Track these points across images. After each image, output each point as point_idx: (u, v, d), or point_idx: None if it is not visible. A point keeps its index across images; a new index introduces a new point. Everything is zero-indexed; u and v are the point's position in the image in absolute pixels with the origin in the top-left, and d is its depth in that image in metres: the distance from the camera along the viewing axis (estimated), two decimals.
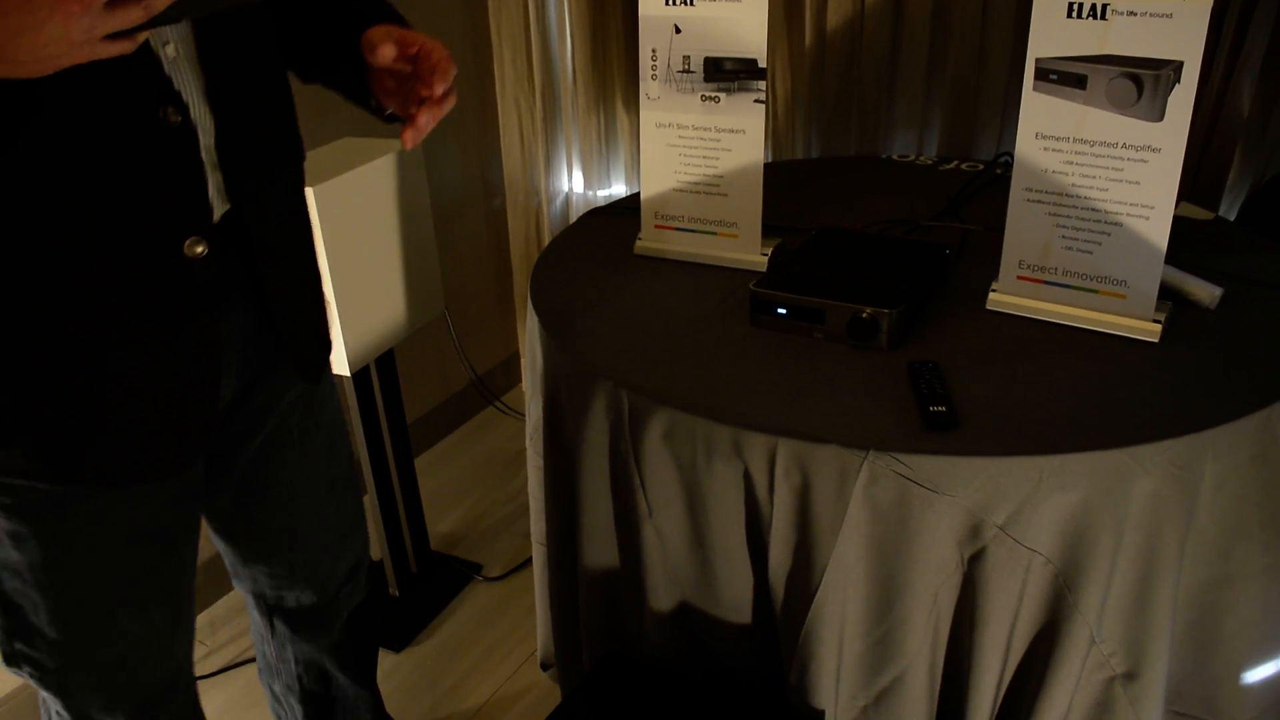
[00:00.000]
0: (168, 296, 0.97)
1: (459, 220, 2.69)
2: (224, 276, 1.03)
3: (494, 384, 2.92)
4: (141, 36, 0.78)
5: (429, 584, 2.18)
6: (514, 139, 2.69)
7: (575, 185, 2.75)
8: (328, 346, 1.26)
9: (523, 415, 2.84)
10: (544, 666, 1.84)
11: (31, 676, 1.12)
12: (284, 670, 1.48)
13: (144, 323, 0.96)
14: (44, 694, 1.16)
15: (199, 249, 0.97)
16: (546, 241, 2.78)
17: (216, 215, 1.00)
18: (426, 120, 1.02)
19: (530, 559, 2.22)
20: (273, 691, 1.53)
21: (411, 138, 1.02)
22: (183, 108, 0.93)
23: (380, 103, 1.11)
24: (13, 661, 1.12)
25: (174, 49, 0.92)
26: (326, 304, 1.25)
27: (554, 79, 2.61)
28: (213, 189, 0.99)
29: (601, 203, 2.67)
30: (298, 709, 1.51)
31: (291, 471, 1.24)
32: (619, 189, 2.70)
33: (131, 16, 0.73)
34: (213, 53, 0.96)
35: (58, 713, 1.17)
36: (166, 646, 1.18)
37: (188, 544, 1.16)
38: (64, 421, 0.97)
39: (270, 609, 1.41)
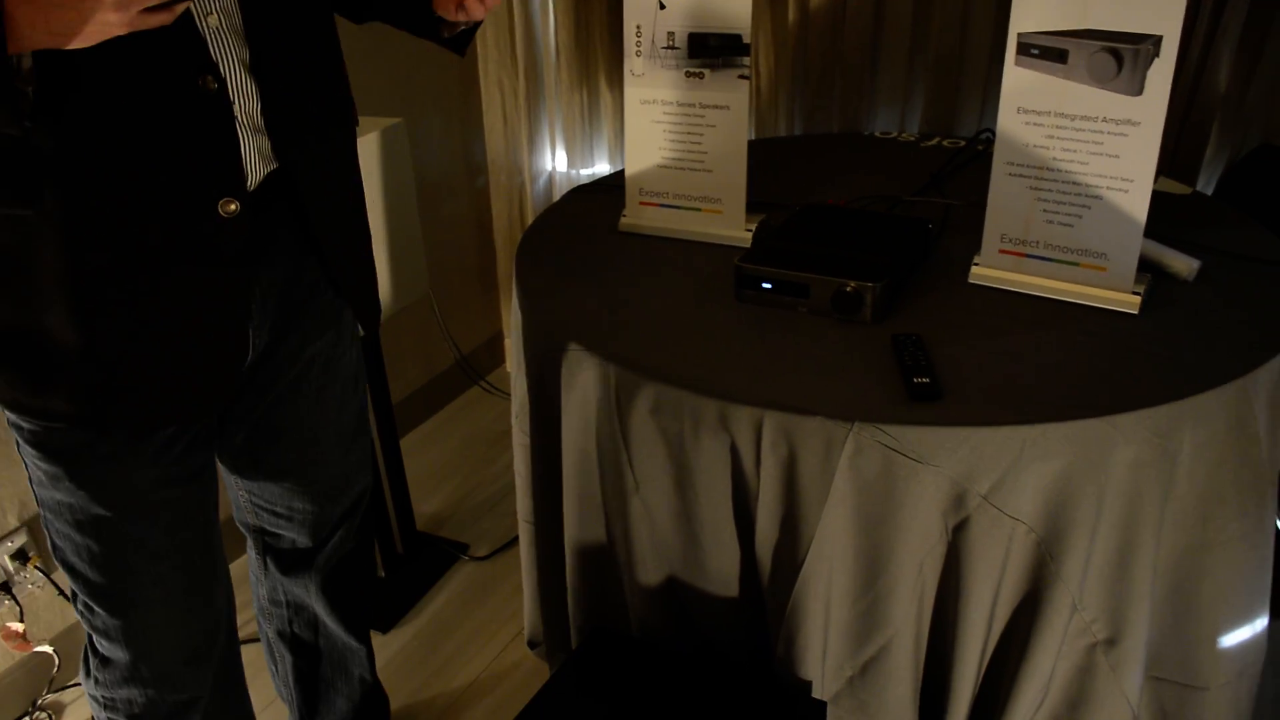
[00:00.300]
0: (202, 252, 1.02)
1: (442, 200, 2.68)
2: (262, 233, 1.08)
3: (478, 364, 2.92)
4: (180, 8, 0.81)
5: (416, 564, 2.19)
6: (497, 118, 2.68)
7: (559, 164, 2.74)
8: (378, 301, 1.34)
9: (508, 395, 2.84)
10: (531, 645, 1.85)
11: (83, 619, 1.20)
12: (276, 614, 1.52)
13: (179, 275, 1.02)
14: (92, 647, 1.23)
15: (232, 208, 1.02)
16: (530, 220, 2.78)
17: (260, 175, 1.06)
18: None
19: (517, 538, 2.23)
20: (267, 636, 1.57)
21: (486, 5, 1.10)
22: (220, 77, 0.98)
23: (440, 17, 1.17)
24: (75, 603, 1.20)
25: (216, 20, 0.97)
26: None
27: (537, 57, 2.60)
28: (255, 152, 1.04)
29: (585, 181, 2.67)
30: (288, 657, 1.55)
31: (305, 420, 1.29)
32: (602, 167, 2.70)
33: None
34: (258, 23, 1.01)
35: (100, 661, 1.22)
36: (208, 595, 1.24)
37: (210, 490, 1.22)
38: (105, 366, 1.02)
39: (266, 547, 1.45)
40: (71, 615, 1.89)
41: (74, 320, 0.99)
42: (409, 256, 1.90)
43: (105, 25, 0.78)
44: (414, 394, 2.69)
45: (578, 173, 2.71)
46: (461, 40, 1.27)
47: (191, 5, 0.94)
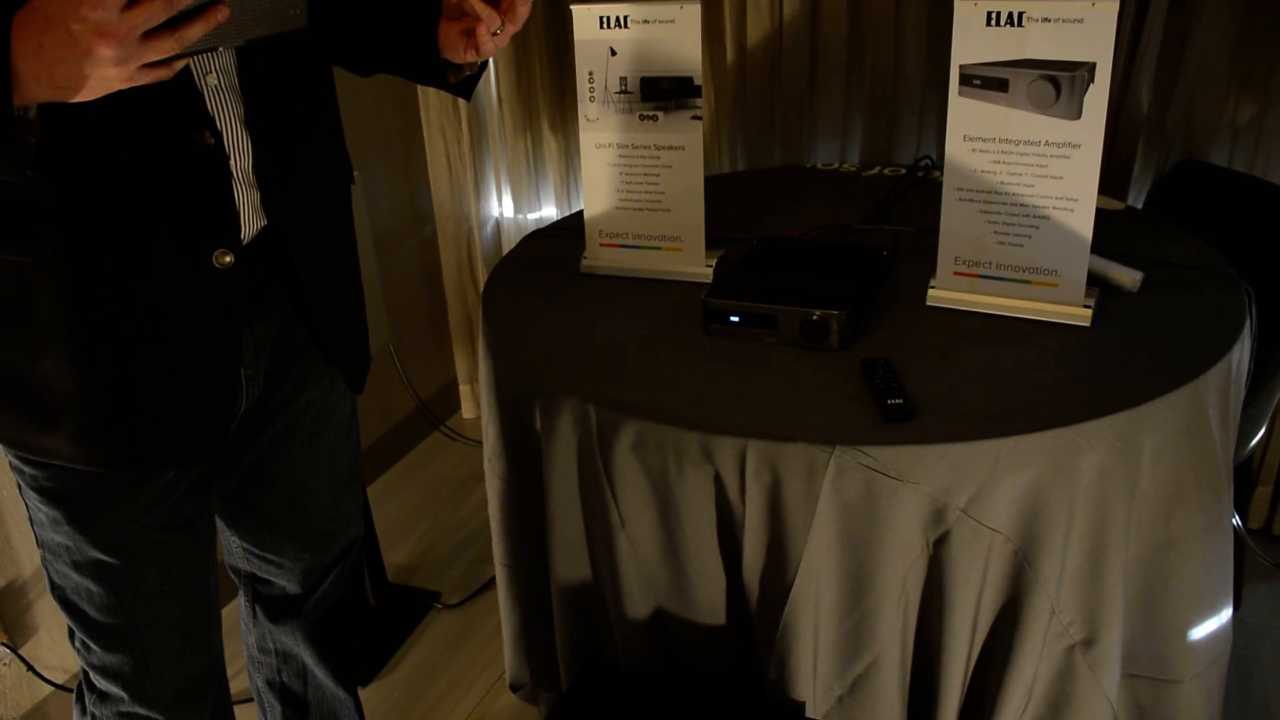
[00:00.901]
0: (197, 301, 1.05)
1: (391, 250, 2.69)
2: (256, 284, 1.12)
3: (435, 410, 2.92)
4: (178, 65, 0.84)
5: (389, 616, 2.18)
6: (441, 167, 2.70)
7: (506, 210, 2.77)
8: (369, 357, 1.37)
9: (467, 440, 2.84)
10: (514, 688, 1.85)
11: (80, 656, 1.21)
12: (265, 663, 1.52)
13: (175, 323, 1.05)
14: (88, 682, 1.24)
15: (226, 259, 1.05)
16: (479, 267, 2.79)
17: (253, 230, 1.09)
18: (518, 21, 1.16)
19: (489, 582, 2.23)
20: (257, 687, 1.56)
21: (497, 43, 1.17)
22: (218, 132, 1.01)
23: (445, 62, 1.23)
24: (72, 639, 1.22)
25: (216, 78, 1.01)
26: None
27: (479, 105, 2.64)
28: (248, 206, 1.07)
29: (532, 226, 2.70)
30: (277, 707, 1.55)
31: (298, 467, 1.30)
32: (549, 212, 2.73)
33: (165, 46, 0.80)
34: (255, 81, 1.04)
35: (97, 696, 1.23)
36: (203, 638, 1.25)
37: (207, 535, 1.24)
38: (101, 410, 1.05)
39: (255, 595, 1.46)
40: (41, 690, 1.85)
41: (70, 365, 1.02)
42: (370, 309, 1.90)
43: (106, 80, 0.80)
44: (374, 443, 2.68)
45: (525, 218, 2.74)
46: (468, 85, 1.31)
47: (191, 63, 0.97)
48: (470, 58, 1.20)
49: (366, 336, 1.35)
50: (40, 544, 1.17)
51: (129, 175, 0.97)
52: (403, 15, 1.25)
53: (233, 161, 1.04)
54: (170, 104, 0.97)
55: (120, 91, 0.83)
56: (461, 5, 1.15)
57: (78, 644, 1.21)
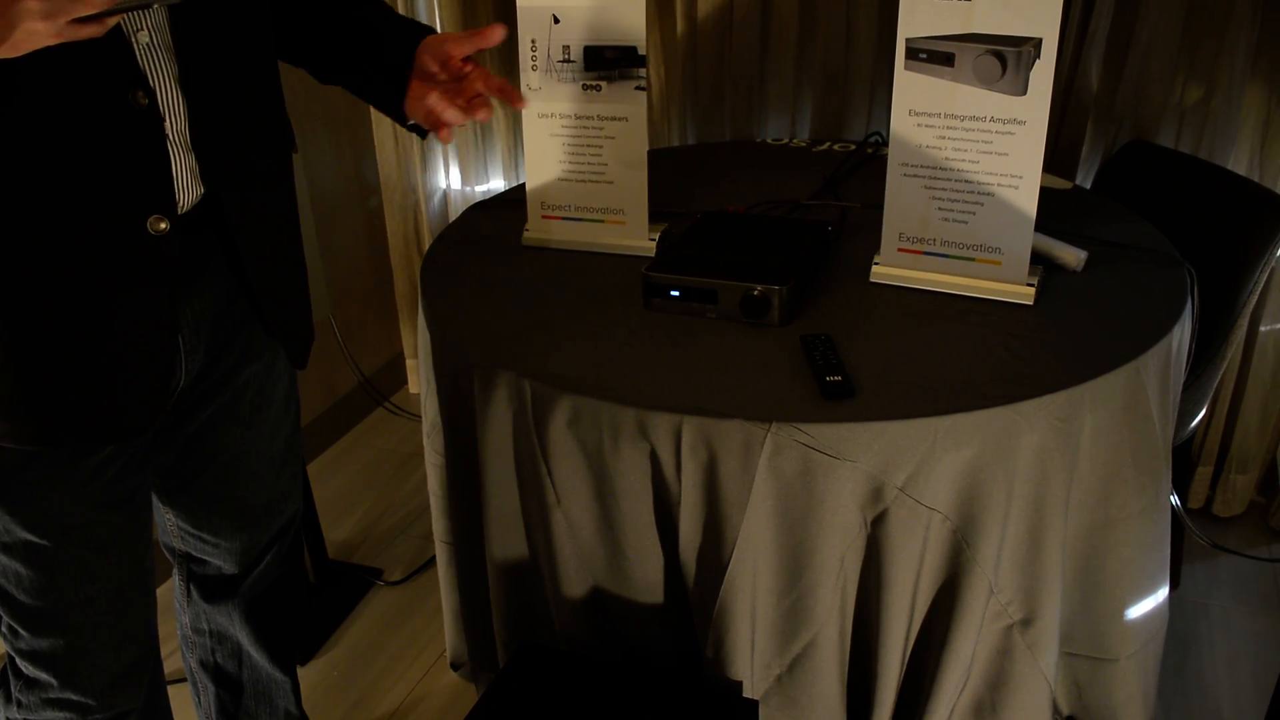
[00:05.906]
0: (131, 269, 1.02)
1: (336, 222, 2.63)
2: (196, 256, 1.09)
3: (380, 386, 2.87)
4: (110, 22, 0.81)
5: (330, 594, 2.14)
6: (388, 136, 2.64)
7: (453, 181, 2.72)
8: (312, 332, 1.34)
9: (413, 416, 2.80)
10: (454, 666, 1.83)
11: (6, 641, 1.17)
12: (198, 644, 1.49)
13: (109, 292, 1.01)
14: (14, 669, 1.20)
15: (162, 226, 1.01)
16: (426, 240, 2.75)
17: (191, 198, 1.05)
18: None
19: (431, 560, 2.20)
20: (190, 667, 1.53)
21: (447, 135, 1.25)
22: (150, 92, 0.98)
23: (406, 113, 1.27)
24: None
25: (148, 35, 0.97)
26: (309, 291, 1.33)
27: None
28: (185, 171, 1.04)
29: (480, 198, 2.65)
30: (210, 688, 1.52)
31: (237, 443, 1.28)
32: (497, 183, 2.69)
33: (94, 1, 0.77)
34: (188, 41, 1.00)
35: (24, 683, 1.20)
36: (138, 620, 1.22)
37: (144, 513, 1.20)
38: (32, 383, 1.01)
39: (190, 574, 1.43)
40: None
41: (4, 336, 0.98)
42: (310, 282, 1.85)
43: (33, 35, 0.77)
44: (317, 419, 2.63)
45: (472, 189, 2.70)
46: (424, 129, 1.32)
47: (122, 20, 0.93)
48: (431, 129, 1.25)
49: (309, 310, 1.32)
50: None
51: (59, 137, 0.93)
52: (368, 55, 1.25)
53: (167, 124, 1.00)
54: (101, 62, 0.93)
55: (49, 49, 0.80)
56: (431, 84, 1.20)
57: (4, 629, 1.17)
